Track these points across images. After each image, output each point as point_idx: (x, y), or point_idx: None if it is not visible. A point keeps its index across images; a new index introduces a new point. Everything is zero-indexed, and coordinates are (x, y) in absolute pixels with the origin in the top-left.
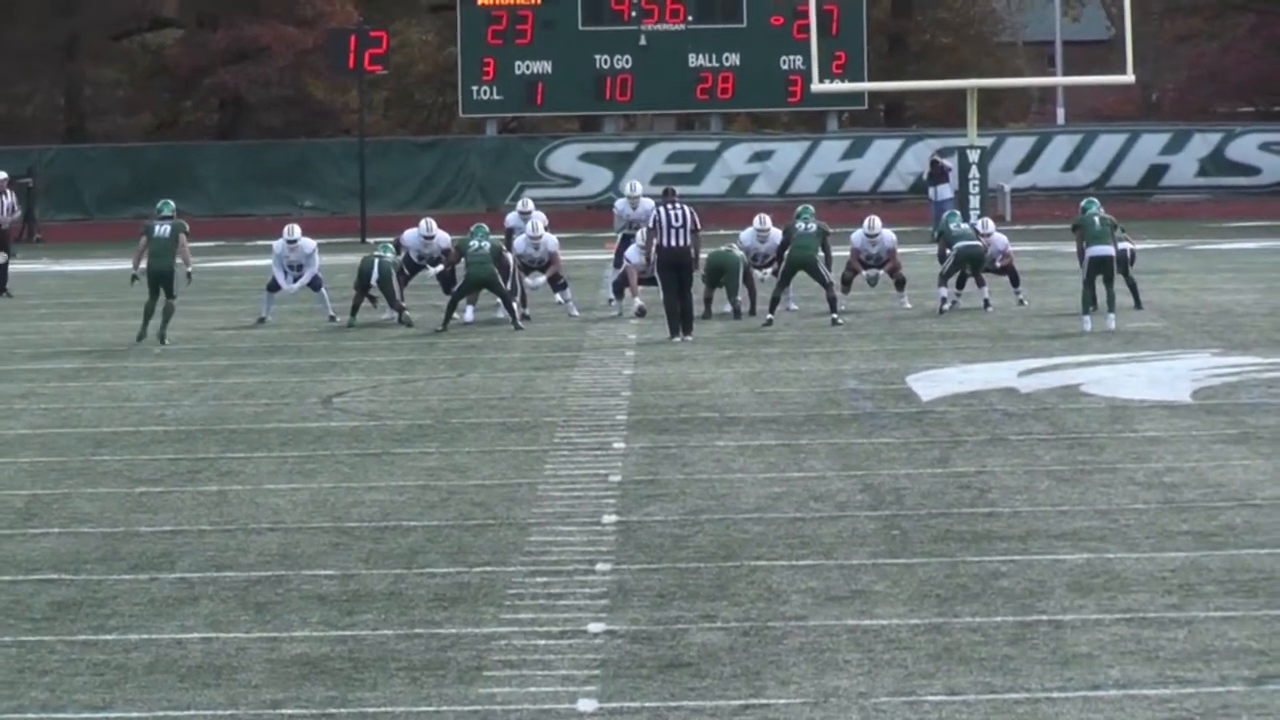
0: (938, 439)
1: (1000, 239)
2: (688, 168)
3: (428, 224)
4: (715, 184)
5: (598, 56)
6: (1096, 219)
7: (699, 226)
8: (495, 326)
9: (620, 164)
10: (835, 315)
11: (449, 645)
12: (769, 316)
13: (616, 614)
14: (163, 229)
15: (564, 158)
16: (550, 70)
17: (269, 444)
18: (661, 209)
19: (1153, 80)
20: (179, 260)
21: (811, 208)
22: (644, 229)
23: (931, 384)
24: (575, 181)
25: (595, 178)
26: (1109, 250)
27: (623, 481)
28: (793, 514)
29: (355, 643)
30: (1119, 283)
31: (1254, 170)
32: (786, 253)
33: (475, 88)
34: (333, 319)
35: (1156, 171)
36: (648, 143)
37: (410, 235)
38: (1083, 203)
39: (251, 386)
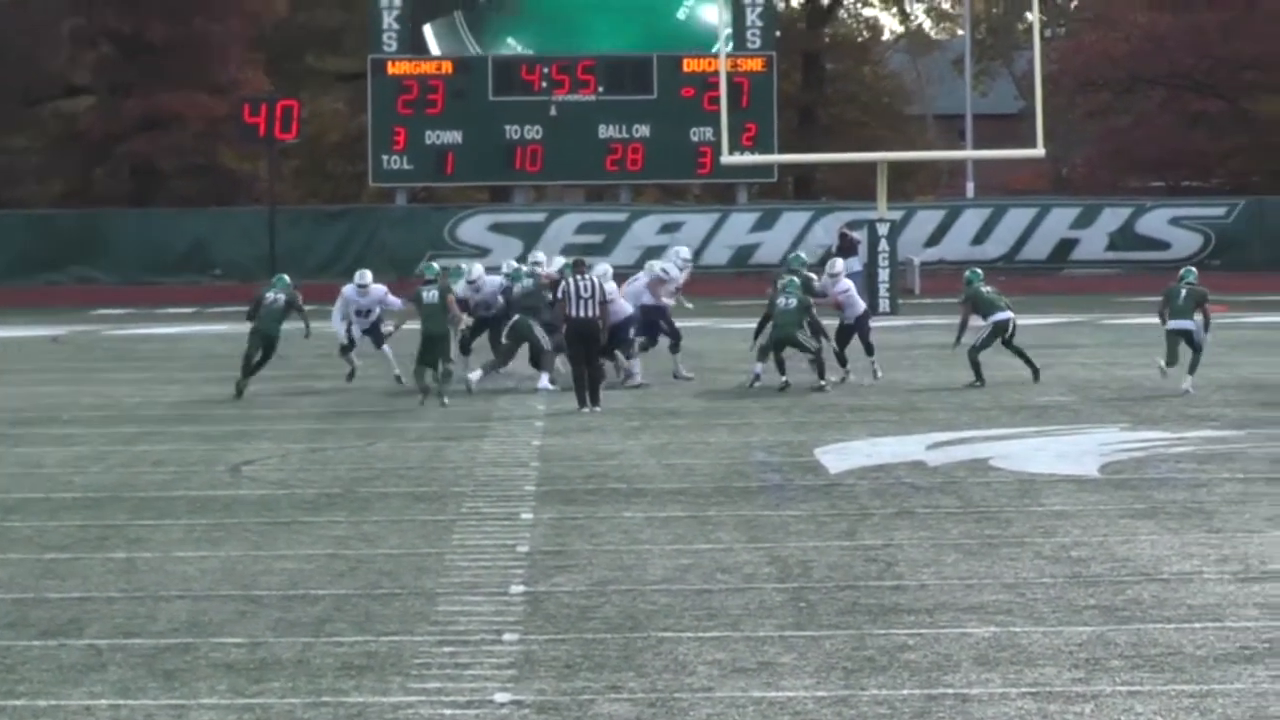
0: (845, 511)
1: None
2: (598, 238)
3: (362, 274)
4: (625, 255)
5: (508, 127)
6: (1182, 292)
7: (607, 298)
8: (402, 397)
9: (530, 234)
10: (821, 383)
11: (356, 714)
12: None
13: (523, 684)
14: (274, 297)
15: (474, 228)
16: (461, 140)
17: (177, 512)
18: (570, 280)
19: (1063, 155)
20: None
21: (796, 279)
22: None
23: (840, 456)
24: (485, 252)
25: (505, 248)
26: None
27: (530, 552)
28: (700, 585)
29: (263, 711)
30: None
31: (1164, 245)
32: (769, 329)
33: (385, 157)
34: (398, 379)
35: (1066, 245)
36: (557, 213)
37: (347, 289)
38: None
39: (160, 454)
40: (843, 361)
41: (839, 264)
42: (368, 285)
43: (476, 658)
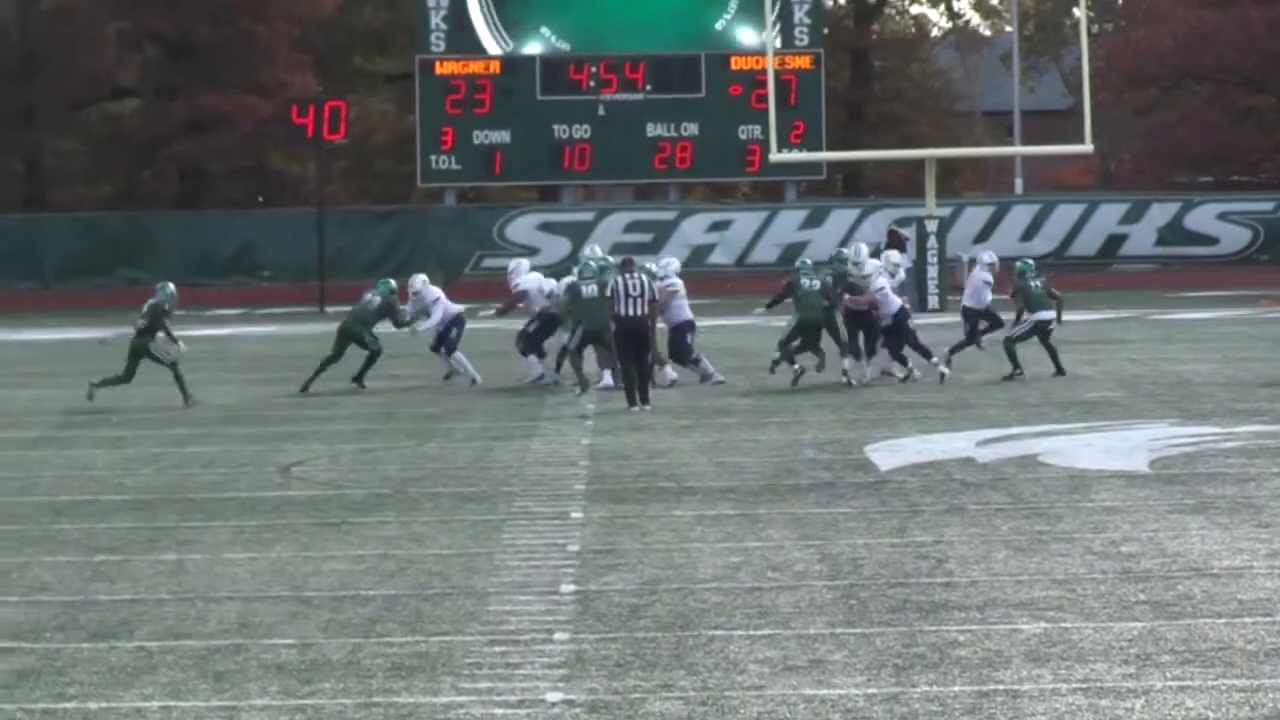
0: (895, 509)
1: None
2: (646, 237)
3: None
4: (673, 253)
5: (556, 126)
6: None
7: (656, 297)
8: (451, 395)
9: (579, 233)
10: (848, 378)
11: (407, 715)
12: (798, 367)
13: (574, 683)
14: (370, 298)
15: (522, 227)
16: (509, 140)
17: (227, 513)
18: (619, 278)
19: (1111, 150)
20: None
21: (809, 260)
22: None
23: (890, 454)
24: (534, 251)
25: (554, 247)
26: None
27: (581, 551)
28: (750, 583)
29: (314, 712)
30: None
31: (1212, 240)
32: (798, 312)
33: (434, 157)
34: (474, 382)
35: (1114, 241)
36: (606, 212)
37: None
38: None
39: (210, 455)
40: (903, 360)
41: (869, 263)
42: (419, 291)
43: (527, 657)
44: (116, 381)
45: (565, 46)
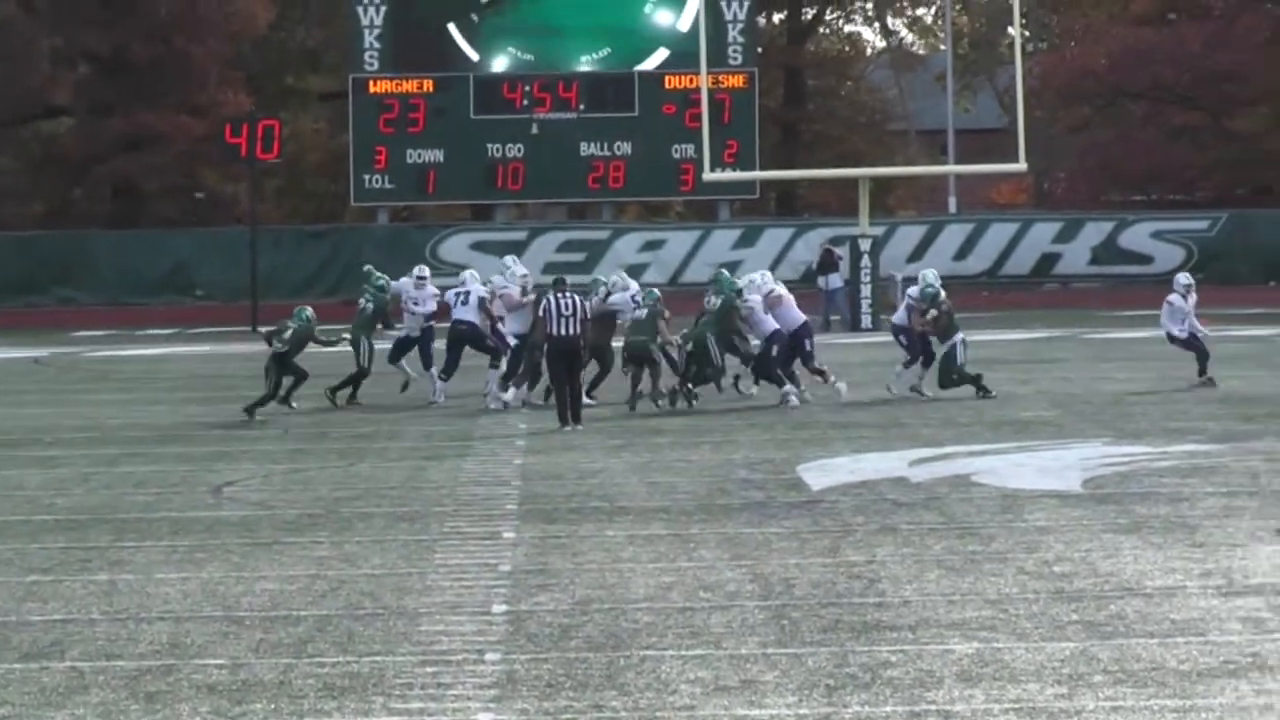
0: (828, 528)
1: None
2: (579, 256)
3: (421, 268)
4: (606, 273)
5: (490, 145)
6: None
7: (589, 316)
8: (384, 415)
9: (512, 252)
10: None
11: None
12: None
13: (505, 704)
14: (363, 305)
15: (455, 246)
16: (442, 159)
17: (159, 533)
18: (551, 297)
19: (1046, 169)
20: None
21: (726, 272)
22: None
23: (822, 473)
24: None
25: (487, 267)
26: None
27: (512, 571)
28: (682, 603)
29: None
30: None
31: (1147, 259)
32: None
33: (367, 176)
34: (433, 403)
35: (1049, 260)
36: (539, 231)
37: (404, 282)
38: None
39: (142, 475)
40: (785, 382)
41: (756, 280)
42: (426, 278)
43: (459, 677)
44: (266, 399)
45: (504, 65)
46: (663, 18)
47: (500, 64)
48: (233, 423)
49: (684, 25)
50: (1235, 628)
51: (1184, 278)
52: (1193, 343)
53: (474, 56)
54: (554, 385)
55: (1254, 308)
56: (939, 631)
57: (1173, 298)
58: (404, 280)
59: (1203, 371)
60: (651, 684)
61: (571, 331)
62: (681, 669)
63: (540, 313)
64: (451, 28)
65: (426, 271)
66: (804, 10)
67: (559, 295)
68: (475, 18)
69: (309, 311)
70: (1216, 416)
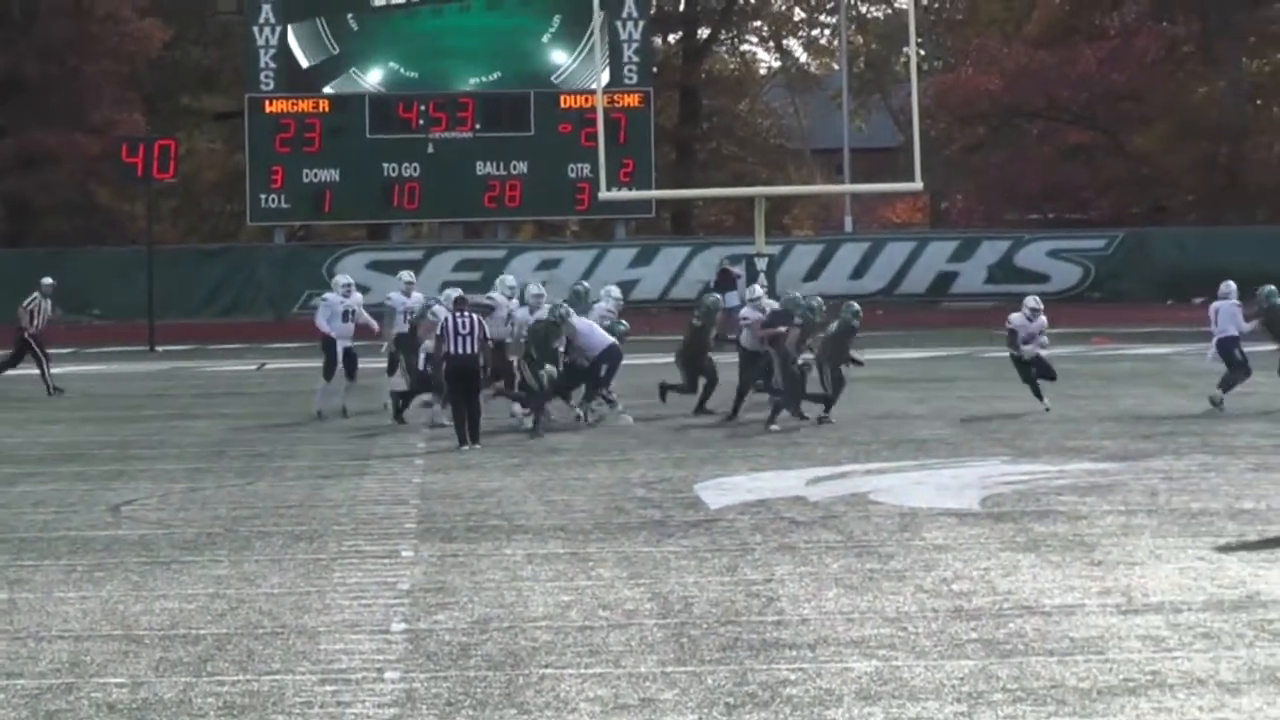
0: (726, 547)
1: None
2: (475, 275)
3: (345, 276)
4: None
5: (386, 164)
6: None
7: (488, 336)
8: (282, 433)
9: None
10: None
11: None
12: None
13: None
14: None
15: (351, 266)
16: (338, 178)
17: (58, 552)
18: (450, 317)
19: (942, 188)
20: None
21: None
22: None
23: (720, 492)
24: (364, 290)
25: (384, 286)
26: None
27: (411, 589)
28: (581, 622)
29: None
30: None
31: (1043, 277)
32: None
33: (263, 195)
34: (319, 415)
35: (945, 279)
36: (435, 251)
37: (331, 296)
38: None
39: (40, 495)
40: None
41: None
42: (351, 284)
43: (358, 696)
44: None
45: (394, 85)
46: (559, 38)
47: (395, 84)
48: (130, 442)
49: (580, 45)
50: (1134, 646)
51: (1032, 300)
52: (1039, 365)
53: (367, 77)
54: (452, 405)
55: (1150, 326)
56: (838, 649)
57: (1015, 317)
58: (332, 295)
59: (1040, 396)
60: (550, 703)
61: (469, 350)
62: (580, 687)
63: (438, 331)
64: (342, 47)
65: (350, 279)
66: (699, 31)
67: (457, 314)
68: (367, 37)
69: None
70: (1114, 435)
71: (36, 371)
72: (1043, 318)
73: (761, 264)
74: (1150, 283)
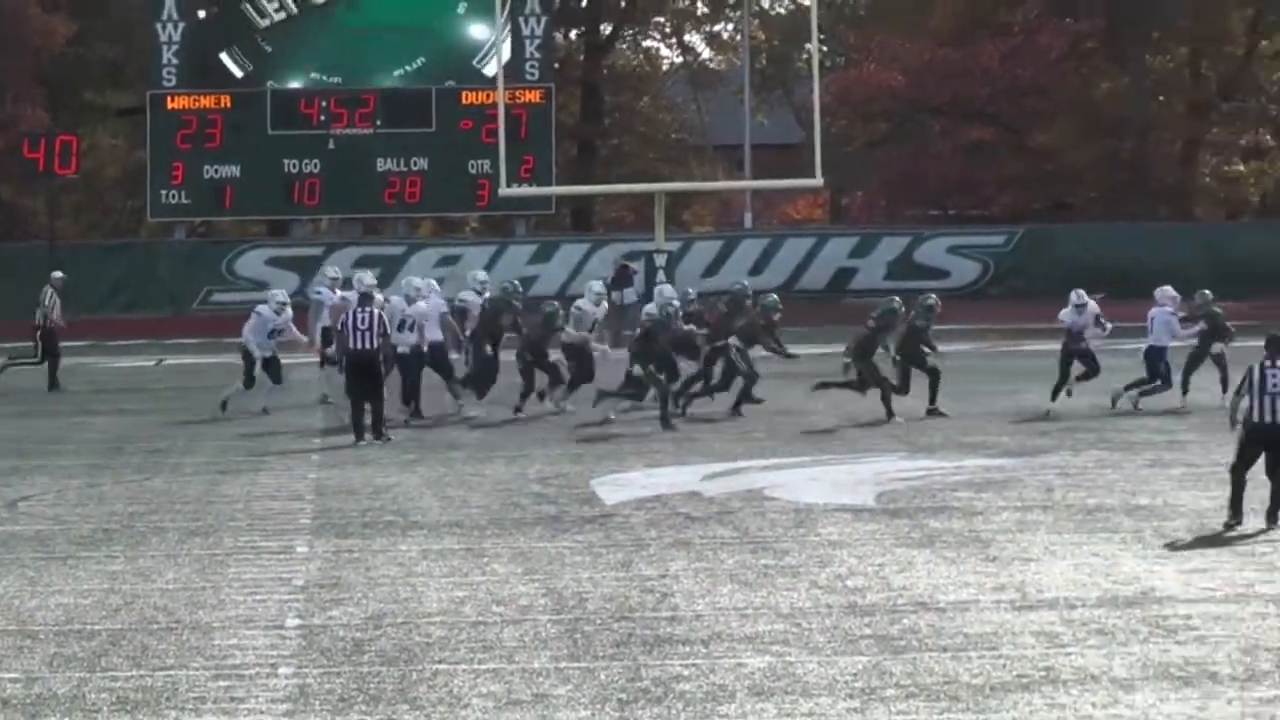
0: (621, 543)
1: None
2: (375, 272)
3: (279, 293)
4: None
5: (286, 160)
6: None
7: (387, 331)
8: (180, 429)
9: (309, 268)
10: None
11: None
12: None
13: (298, 718)
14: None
15: (251, 262)
16: (239, 174)
17: None
18: (350, 312)
19: (843, 185)
20: None
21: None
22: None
23: (615, 488)
24: (263, 285)
25: (282, 282)
26: None
27: (306, 585)
28: (475, 618)
29: None
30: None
31: (943, 273)
32: None
33: (164, 191)
34: (325, 398)
35: (844, 275)
36: (335, 247)
37: (264, 310)
38: None
39: None
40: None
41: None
42: (286, 303)
43: (252, 691)
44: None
45: (297, 81)
46: (460, 34)
47: (297, 80)
48: (28, 437)
49: (481, 41)
50: (1028, 641)
51: (1075, 295)
52: (1086, 359)
53: (268, 75)
54: (351, 400)
55: (1050, 323)
56: (731, 645)
57: (1065, 314)
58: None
59: (1062, 394)
60: (444, 698)
61: (368, 345)
62: (474, 683)
63: (339, 327)
64: (240, 47)
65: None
66: (602, 27)
67: (358, 309)
68: (269, 35)
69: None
70: (1010, 431)
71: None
72: (1093, 305)
73: (661, 260)
74: (1050, 279)
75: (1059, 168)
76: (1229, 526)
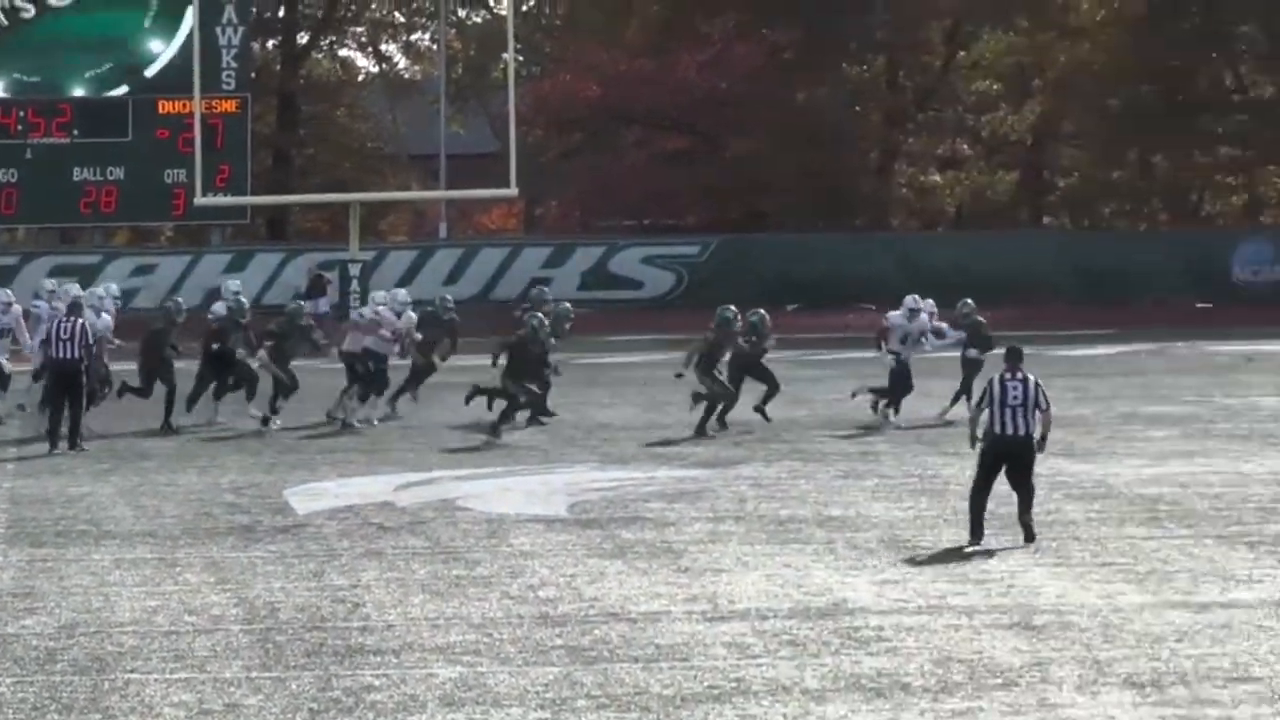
0: (313, 552)
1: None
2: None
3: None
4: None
5: None
6: None
7: (91, 341)
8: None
9: (4, 278)
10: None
11: None
12: None
13: None
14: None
15: None
16: None
17: None
18: (56, 321)
19: (539, 195)
20: None
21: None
22: None
23: (308, 497)
24: None
25: None
26: None
27: None
28: (168, 627)
29: None
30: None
31: (637, 284)
32: None
33: None
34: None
35: (539, 284)
36: (31, 256)
37: (40, 305)
38: None
39: None
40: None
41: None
42: (11, 301)
43: None
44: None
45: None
46: (156, 44)
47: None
48: None
49: (178, 51)
50: (720, 653)
51: (911, 300)
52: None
53: None
54: (50, 408)
55: None
56: (423, 656)
57: (893, 315)
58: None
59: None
60: (135, 707)
61: (69, 355)
62: (165, 692)
63: (45, 336)
64: None
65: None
66: (299, 36)
67: (63, 320)
68: None
69: None
70: (704, 442)
71: None
72: (924, 316)
73: (355, 270)
74: (745, 290)
75: (756, 178)
76: (971, 545)
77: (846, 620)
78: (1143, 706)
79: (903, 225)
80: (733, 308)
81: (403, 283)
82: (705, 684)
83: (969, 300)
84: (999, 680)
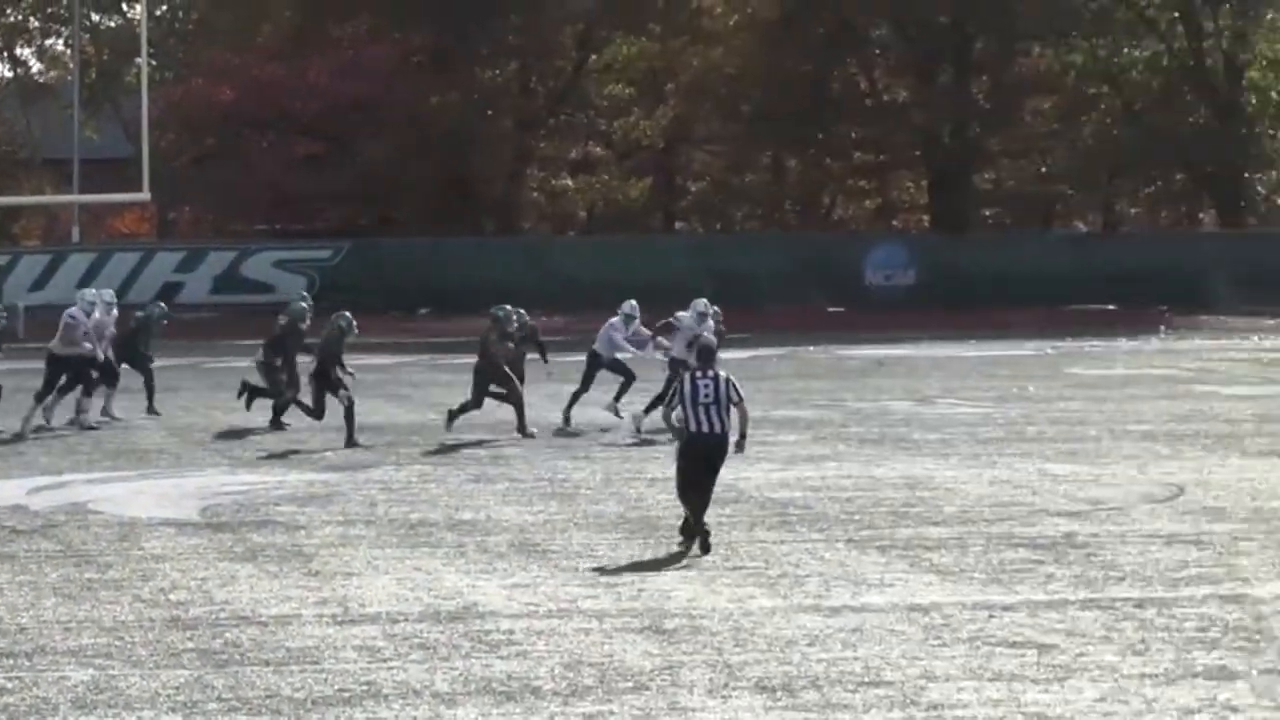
0: None
1: None
2: None
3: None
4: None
5: None
6: None
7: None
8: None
9: None
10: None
11: None
12: None
13: None
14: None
15: None
16: None
17: None
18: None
19: (172, 199)
20: None
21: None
22: None
23: None
24: None
25: None
26: None
27: None
28: None
29: None
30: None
31: (269, 288)
32: None
33: None
34: None
35: (171, 289)
36: None
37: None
38: None
39: None
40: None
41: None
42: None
43: None
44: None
45: None
46: None
47: None
48: None
49: None
50: (350, 656)
51: (701, 303)
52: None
53: None
54: None
55: (377, 337)
56: (55, 659)
57: (682, 315)
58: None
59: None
60: None
61: None
62: None
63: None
64: None
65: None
66: None
67: None
68: None
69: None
70: (336, 446)
71: None
72: (710, 323)
73: None
74: (380, 291)
75: (388, 182)
76: (704, 548)
77: (477, 624)
78: (774, 710)
79: (533, 229)
80: (305, 302)
81: (35, 287)
82: (336, 687)
83: (708, 302)
84: (630, 684)
